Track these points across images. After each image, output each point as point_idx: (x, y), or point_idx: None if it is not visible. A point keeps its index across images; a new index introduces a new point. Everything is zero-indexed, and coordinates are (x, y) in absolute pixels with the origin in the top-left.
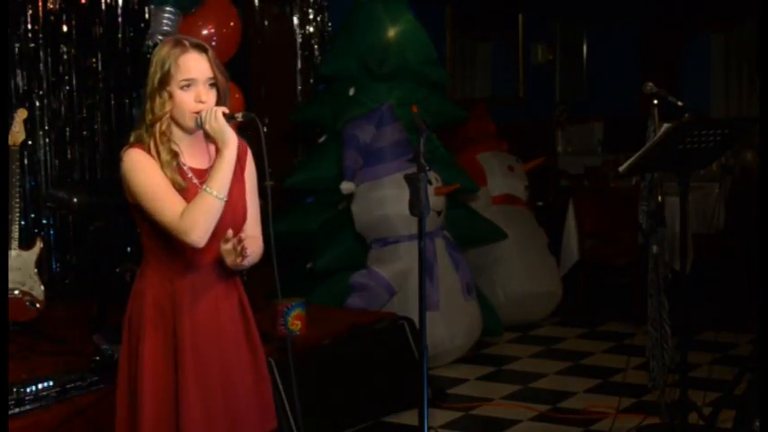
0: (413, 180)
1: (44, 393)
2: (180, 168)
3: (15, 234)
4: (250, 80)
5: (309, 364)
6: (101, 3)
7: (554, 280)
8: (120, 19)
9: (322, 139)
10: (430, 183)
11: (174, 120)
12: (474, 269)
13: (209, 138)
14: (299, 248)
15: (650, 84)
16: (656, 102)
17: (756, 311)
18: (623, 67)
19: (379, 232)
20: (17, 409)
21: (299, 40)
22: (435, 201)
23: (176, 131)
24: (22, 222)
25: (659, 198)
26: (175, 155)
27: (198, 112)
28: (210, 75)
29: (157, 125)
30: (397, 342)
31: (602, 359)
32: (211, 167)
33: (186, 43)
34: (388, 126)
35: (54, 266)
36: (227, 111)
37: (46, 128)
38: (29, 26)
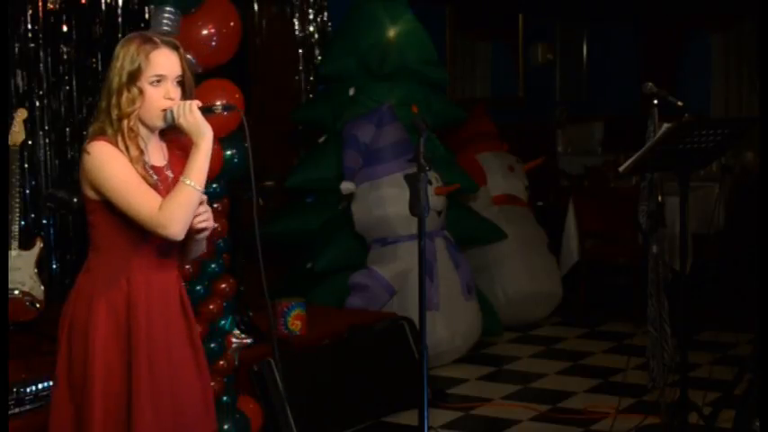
0: (413, 180)
1: (44, 393)
2: (145, 166)
3: (15, 234)
4: (250, 80)
5: (309, 364)
6: (101, 3)
7: (554, 280)
8: (120, 19)
9: (322, 139)
10: (430, 183)
11: (139, 116)
12: (474, 269)
13: (173, 132)
14: (299, 248)
15: (650, 84)
16: (656, 102)
17: (756, 311)
18: (623, 67)
19: (378, 232)
20: (17, 409)
21: (299, 40)
22: (435, 201)
23: (141, 129)
24: (22, 222)
25: (659, 198)
26: (142, 151)
27: (165, 109)
28: (179, 72)
29: (125, 121)
30: (397, 342)
31: (602, 359)
32: (167, 165)
33: (157, 40)
34: (388, 126)
35: (54, 266)
36: (200, 103)
37: (46, 128)
38: (29, 26)
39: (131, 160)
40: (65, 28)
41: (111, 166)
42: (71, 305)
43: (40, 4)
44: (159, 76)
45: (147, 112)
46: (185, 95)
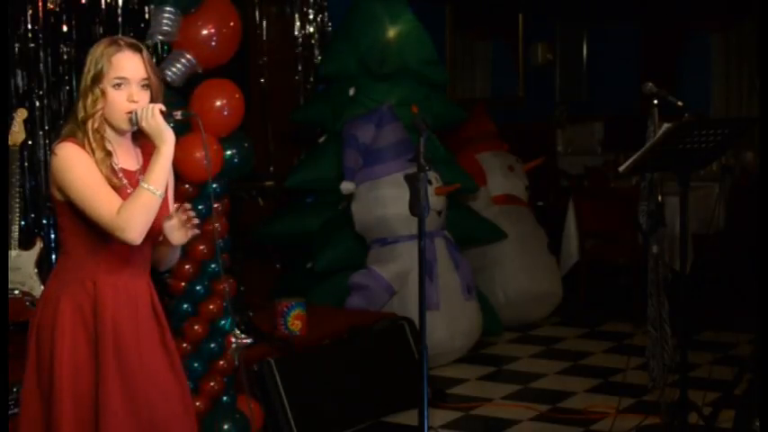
0: (413, 180)
1: None
2: (112, 168)
3: (15, 234)
4: (250, 80)
5: (309, 364)
6: (101, 3)
7: (554, 280)
8: (120, 19)
9: (322, 139)
10: (430, 183)
11: (105, 119)
12: (474, 269)
13: (142, 136)
14: (299, 248)
15: (650, 84)
16: (656, 102)
17: (756, 311)
18: (623, 67)
19: (378, 232)
20: (17, 409)
21: (299, 40)
22: (435, 201)
23: (108, 131)
24: (22, 222)
25: (659, 198)
26: (109, 153)
27: (130, 112)
28: (144, 75)
29: (90, 122)
30: (397, 342)
31: (602, 359)
32: (140, 169)
33: (121, 42)
34: (388, 126)
35: (54, 266)
36: (164, 108)
37: (46, 128)
38: (29, 26)
39: (97, 162)
40: (65, 28)
41: (74, 166)
42: (38, 308)
43: (40, 4)
44: (121, 79)
45: (111, 115)
46: (152, 100)
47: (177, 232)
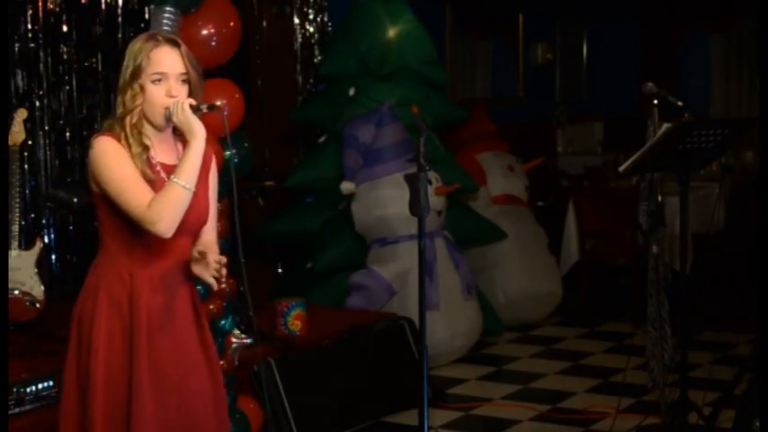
0: (413, 180)
1: (44, 393)
2: (149, 162)
3: (15, 234)
4: (250, 80)
5: (309, 364)
6: (101, 3)
7: (554, 280)
8: (120, 19)
9: (322, 139)
10: (430, 183)
11: (144, 114)
12: (474, 269)
13: (177, 131)
14: (299, 248)
15: (650, 84)
16: (656, 102)
17: (756, 311)
18: (623, 67)
19: (378, 232)
20: (17, 409)
21: (299, 40)
22: (435, 201)
23: (147, 127)
24: (22, 222)
25: (659, 198)
26: (146, 148)
27: (167, 107)
28: (183, 70)
29: (128, 118)
30: (397, 342)
31: (602, 359)
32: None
33: (159, 38)
34: (388, 126)
35: (54, 266)
36: (193, 102)
37: (46, 128)
38: (29, 26)
39: (133, 156)
40: (65, 28)
41: (108, 160)
42: (79, 299)
43: (40, 4)
44: (160, 74)
45: (150, 110)
46: (192, 94)
47: (198, 266)
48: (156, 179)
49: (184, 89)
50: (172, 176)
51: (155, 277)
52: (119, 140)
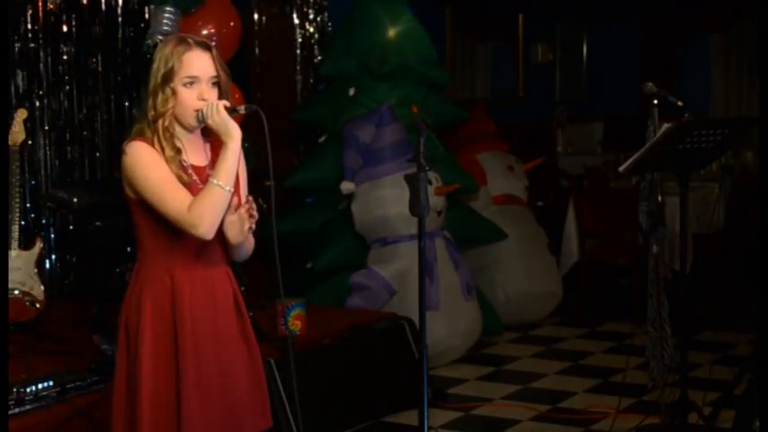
0: (413, 180)
1: (44, 393)
2: (182, 165)
3: (15, 234)
4: (250, 80)
5: (309, 364)
6: (101, 3)
7: (554, 280)
8: (120, 19)
9: (322, 139)
10: (430, 183)
11: (175, 117)
12: (474, 269)
13: (209, 133)
14: (299, 248)
15: (650, 84)
16: (656, 102)
17: (756, 311)
18: (623, 67)
19: (378, 232)
20: (17, 409)
21: (299, 40)
22: (435, 201)
23: (178, 129)
24: (22, 222)
25: (659, 198)
26: (179, 151)
27: (198, 110)
28: (214, 73)
29: (160, 121)
30: (397, 342)
31: (602, 359)
32: (209, 165)
33: (190, 41)
34: (387, 126)
35: (54, 266)
36: (228, 104)
37: (46, 128)
38: (29, 26)
39: (166, 160)
40: (65, 28)
41: (144, 165)
42: (124, 306)
43: (40, 4)
44: (192, 78)
45: (181, 113)
46: (221, 97)
47: (234, 228)
48: (190, 182)
49: (215, 92)
50: (210, 178)
51: (196, 278)
52: (151, 145)
